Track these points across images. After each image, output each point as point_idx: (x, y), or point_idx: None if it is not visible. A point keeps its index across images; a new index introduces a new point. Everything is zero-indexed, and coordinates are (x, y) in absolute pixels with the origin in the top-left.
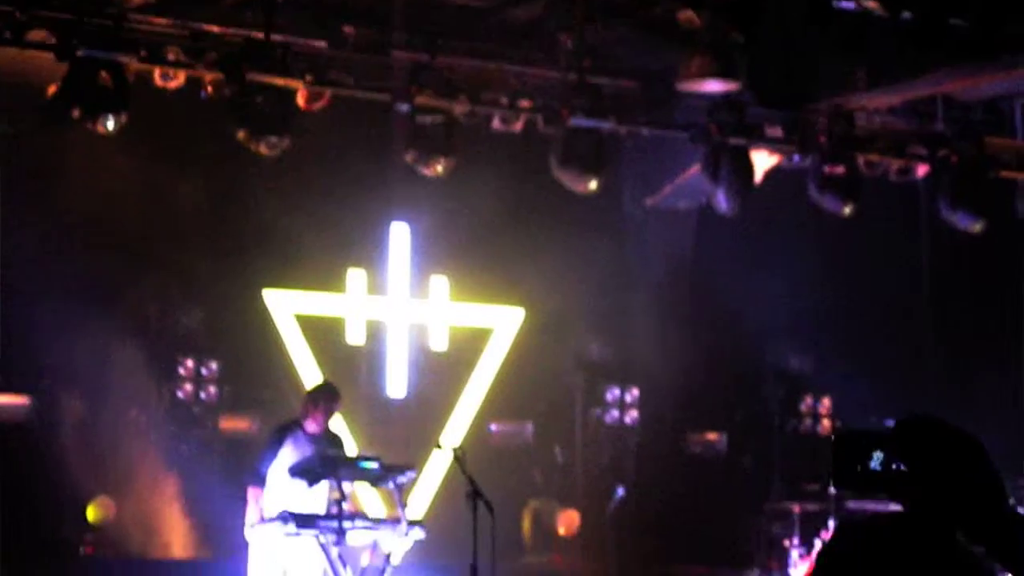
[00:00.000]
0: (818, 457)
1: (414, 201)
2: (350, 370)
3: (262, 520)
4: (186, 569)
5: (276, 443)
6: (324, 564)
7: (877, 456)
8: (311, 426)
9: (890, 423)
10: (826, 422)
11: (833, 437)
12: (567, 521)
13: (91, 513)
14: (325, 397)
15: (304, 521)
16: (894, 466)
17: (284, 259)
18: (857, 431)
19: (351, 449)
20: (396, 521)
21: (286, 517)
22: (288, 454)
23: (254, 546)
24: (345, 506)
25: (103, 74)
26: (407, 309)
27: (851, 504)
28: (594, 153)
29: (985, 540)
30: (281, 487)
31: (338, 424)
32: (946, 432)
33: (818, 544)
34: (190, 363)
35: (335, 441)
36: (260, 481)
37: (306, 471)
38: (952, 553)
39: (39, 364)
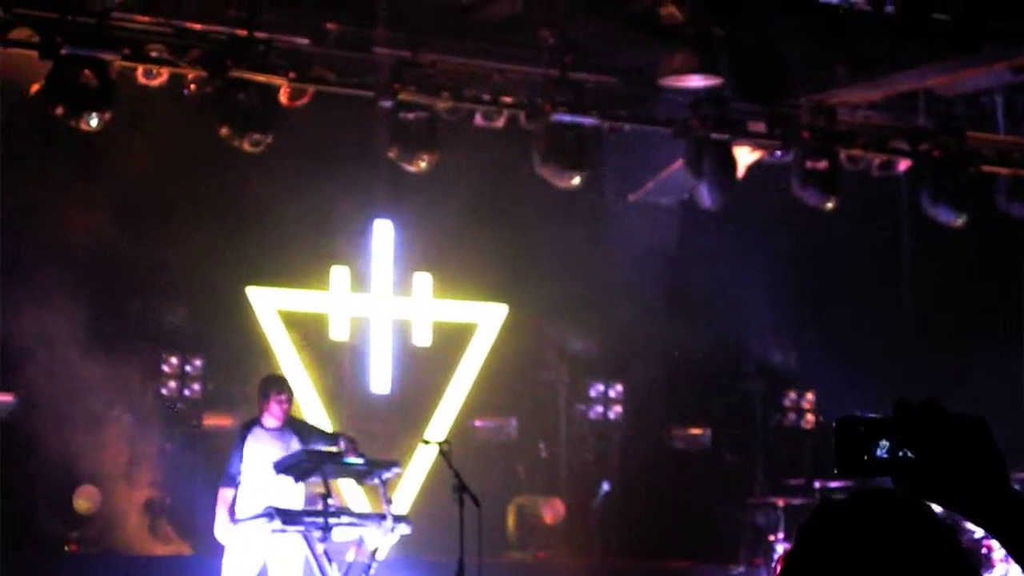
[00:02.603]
0: (802, 451)
1: (397, 198)
2: (334, 366)
3: (234, 520)
4: (169, 565)
5: (239, 442)
6: (310, 560)
7: (883, 444)
8: (268, 420)
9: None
10: (809, 416)
11: (835, 425)
12: (552, 510)
13: (77, 502)
14: (271, 389)
15: (290, 517)
16: (901, 453)
17: (268, 256)
18: (860, 419)
19: (324, 430)
20: (382, 517)
21: (271, 513)
22: (252, 452)
23: (229, 547)
24: (331, 502)
25: (86, 72)
26: (391, 305)
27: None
28: (576, 149)
29: (988, 521)
30: (252, 486)
31: (321, 417)
32: (950, 415)
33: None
34: (174, 360)
35: (300, 429)
36: (230, 482)
37: (292, 467)
38: (935, 532)
39: (24, 361)
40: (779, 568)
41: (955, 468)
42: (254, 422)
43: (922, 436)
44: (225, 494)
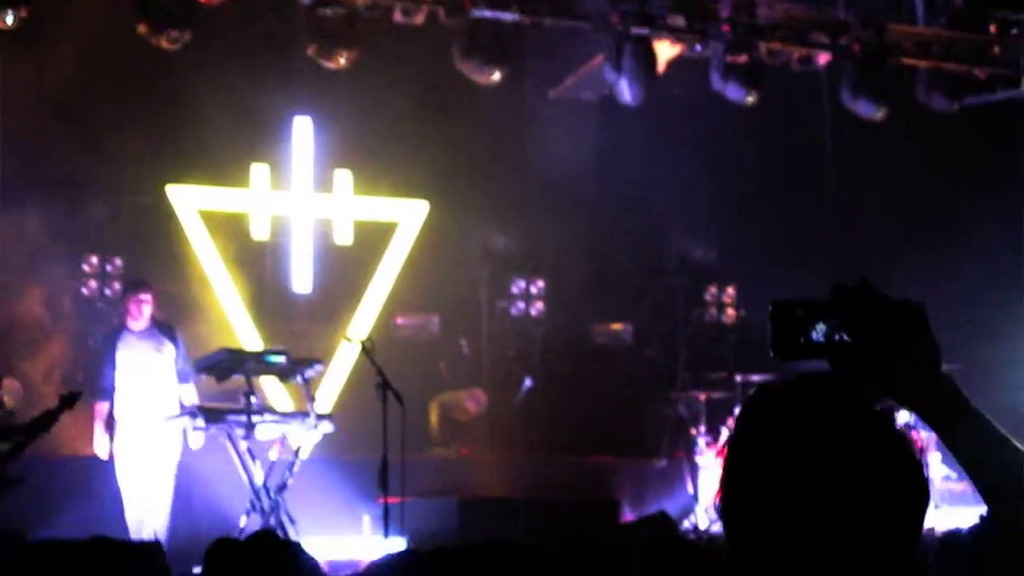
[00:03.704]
0: (723, 345)
1: (317, 95)
2: (255, 265)
3: (111, 432)
4: (92, 464)
5: (107, 351)
6: (233, 458)
7: (820, 328)
8: (132, 324)
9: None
10: (731, 311)
11: (770, 308)
12: (475, 399)
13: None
14: (128, 290)
15: (212, 415)
16: (837, 336)
17: (188, 154)
18: (796, 302)
19: (179, 338)
20: (305, 415)
21: (194, 412)
22: (123, 358)
23: (116, 459)
24: (253, 400)
25: None
26: (311, 204)
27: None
28: (496, 44)
29: (921, 407)
30: (128, 390)
31: (244, 317)
32: (888, 299)
33: (728, 424)
34: (94, 259)
35: (166, 331)
36: (103, 395)
37: (214, 367)
38: (872, 415)
39: None
40: (722, 454)
41: (891, 352)
42: (119, 328)
43: (860, 319)
44: (100, 408)
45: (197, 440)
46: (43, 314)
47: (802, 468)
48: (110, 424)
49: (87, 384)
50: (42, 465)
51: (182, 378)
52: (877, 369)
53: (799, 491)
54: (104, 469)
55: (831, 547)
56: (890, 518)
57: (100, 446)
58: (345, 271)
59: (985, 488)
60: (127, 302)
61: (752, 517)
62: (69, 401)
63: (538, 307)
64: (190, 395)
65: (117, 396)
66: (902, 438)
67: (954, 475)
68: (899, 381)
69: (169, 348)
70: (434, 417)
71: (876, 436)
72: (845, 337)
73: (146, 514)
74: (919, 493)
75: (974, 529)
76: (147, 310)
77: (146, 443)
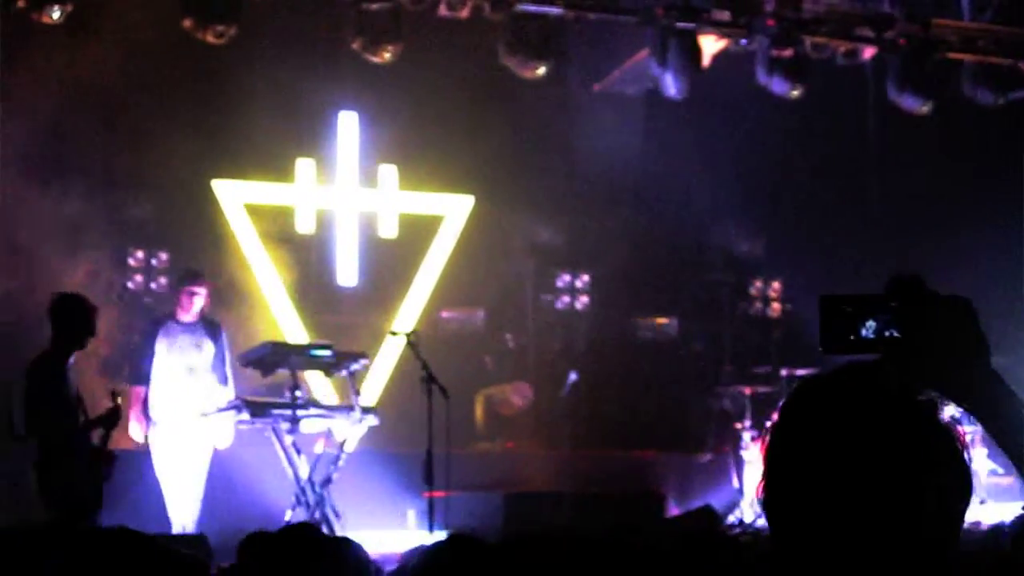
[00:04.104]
0: (768, 339)
1: (362, 90)
2: (300, 259)
3: (147, 419)
4: (137, 458)
5: (150, 337)
6: (278, 452)
7: (870, 324)
8: (182, 315)
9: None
10: (776, 305)
11: (819, 303)
12: (520, 393)
13: None
14: (183, 281)
15: (257, 409)
16: (887, 332)
17: (233, 149)
18: (845, 297)
19: (227, 365)
20: (350, 408)
21: (239, 406)
22: (163, 347)
23: (153, 447)
24: (298, 394)
25: None
26: (356, 198)
27: None
28: (541, 39)
29: (967, 398)
30: (164, 382)
31: (288, 310)
32: (937, 295)
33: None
34: (140, 254)
35: (209, 329)
36: (142, 380)
37: (259, 361)
38: (917, 409)
39: None
40: (764, 445)
41: (940, 348)
42: (167, 316)
43: (909, 315)
44: (138, 392)
45: (225, 440)
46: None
47: (844, 458)
48: (146, 410)
49: (128, 369)
50: None
51: (220, 378)
52: (925, 363)
53: (841, 481)
54: (142, 461)
55: (872, 538)
56: (932, 509)
57: (136, 431)
58: (390, 265)
59: None
60: (179, 292)
61: (794, 508)
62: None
63: (583, 301)
64: (226, 399)
65: (153, 384)
66: (945, 428)
67: (1000, 470)
68: (947, 375)
69: (209, 346)
70: (479, 411)
71: (919, 426)
72: (895, 333)
73: (176, 507)
74: (962, 483)
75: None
76: (198, 302)
77: (177, 436)
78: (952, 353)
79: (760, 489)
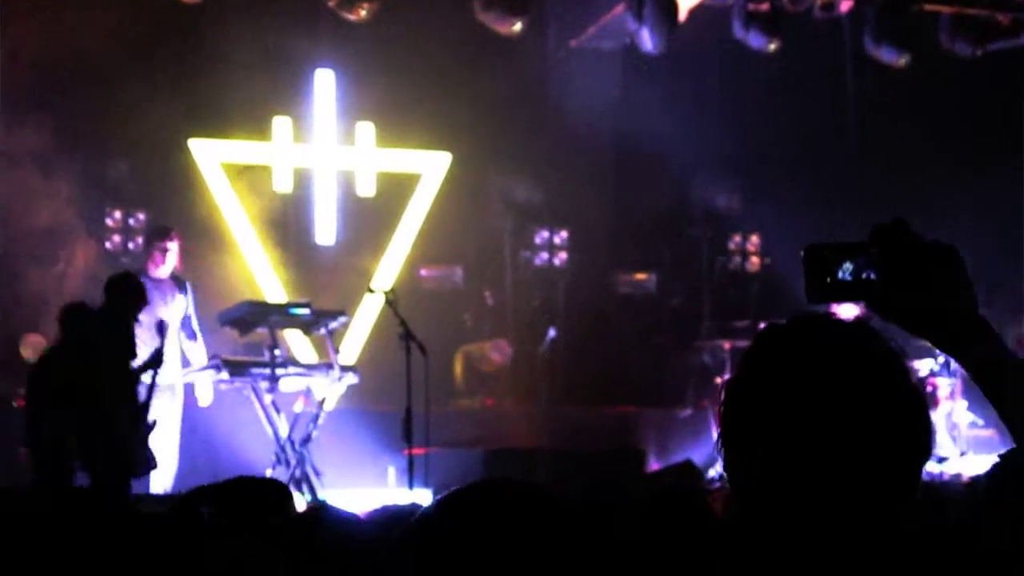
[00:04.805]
0: (747, 293)
1: (339, 47)
2: (278, 218)
3: None
4: None
5: None
6: (257, 411)
7: (847, 266)
8: (154, 271)
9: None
10: (754, 259)
11: (803, 253)
12: (499, 350)
13: (24, 350)
14: (154, 236)
15: (236, 368)
16: (864, 275)
17: (209, 108)
18: (827, 244)
19: (189, 293)
20: (329, 366)
21: (218, 365)
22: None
23: None
24: (277, 353)
25: None
26: (334, 156)
27: None
28: None
29: (953, 346)
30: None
31: (267, 269)
32: (920, 239)
33: None
34: (118, 214)
35: (178, 284)
36: None
37: (237, 320)
38: (877, 354)
39: None
40: (722, 393)
41: (921, 291)
42: (138, 274)
43: (888, 257)
44: None
45: (205, 398)
46: (66, 269)
47: (800, 409)
48: None
49: None
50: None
51: (188, 334)
52: (906, 308)
53: (797, 432)
54: None
55: (829, 491)
56: (888, 462)
57: None
58: (368, 223)
59: (1018, 427)
60: (152, 249)
61: (751, 461)
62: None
63: (561, 257)
64: (198, 354)
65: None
66: (905, 379)
67: (980, 421)
68: (929, 320)
69: (179, 301)
70: (459, 368)
71: (878, 378)
72: (872, 275)
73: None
74: (921, 438)
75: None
76: (171, 258)
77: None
78: (935, 299)
79: (718, 444)
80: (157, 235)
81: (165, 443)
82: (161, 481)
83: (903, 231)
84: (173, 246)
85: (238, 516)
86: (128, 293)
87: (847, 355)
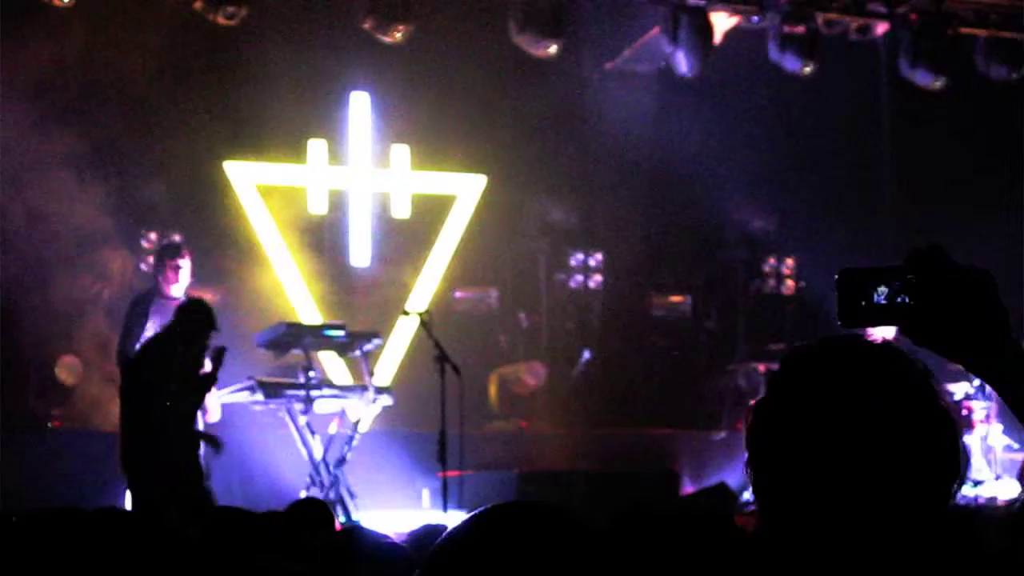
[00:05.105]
0: (782, 316)
1: (374, 70)
2: (313, 240)
3: None
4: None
5: (139, 316)
6: (292, 432)
7: (881, 290)
8: (169, 289)
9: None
10: (790, 282)
11: (836, 276)
12: (534, 372)
13: (59, 373)
14: (165, 254)
15: (272, 389)
16: (899, 299)
17: (245, 130)
18: (862, 268)
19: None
20: (363, 388)
21: (253, 387)
22: (155, 325)
23: None
24: (312, 374)
25: None
26: (369, 178)
27: None
28: (552, 17)
29: (987, 371)
30: None
31: (302, 291)
32: (955, 264)
33: None
34: (153, 236)
35: None
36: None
37: (273, 341)
38: (906, 377)
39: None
40: (749, 416)
41: (954, 316)
42: (153, 293)
43: (923, 282)
44: None
45: (214, 413)
46: (101, 290)
47: (827, 432)
48: None
49: (118, 350)
50: (78, 438)
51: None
52: (940, 333)
53: (824, 454)
54: None
55: (855, 515)
56: (918, 485)
57: None
58: (403, 245)
59: None
60: (164, 268)
61: (778, 482)
62: (219, 358)
63: (596, 280)
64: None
65: None
66: (935, 402)
67: (1016, 445)
68: (963, 345)
69: None
70: (493, 390)
71: (907, 400)
72: (906, 300)
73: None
74: (951, 462)
75: None
76: (184, 276)
77: None
78: (970, 323)
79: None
80: (168, 253)
81: None
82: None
83: (938, 256)
84: (185, 263)
85: (283, 535)
86: (203, 318)
87: (874, 375)
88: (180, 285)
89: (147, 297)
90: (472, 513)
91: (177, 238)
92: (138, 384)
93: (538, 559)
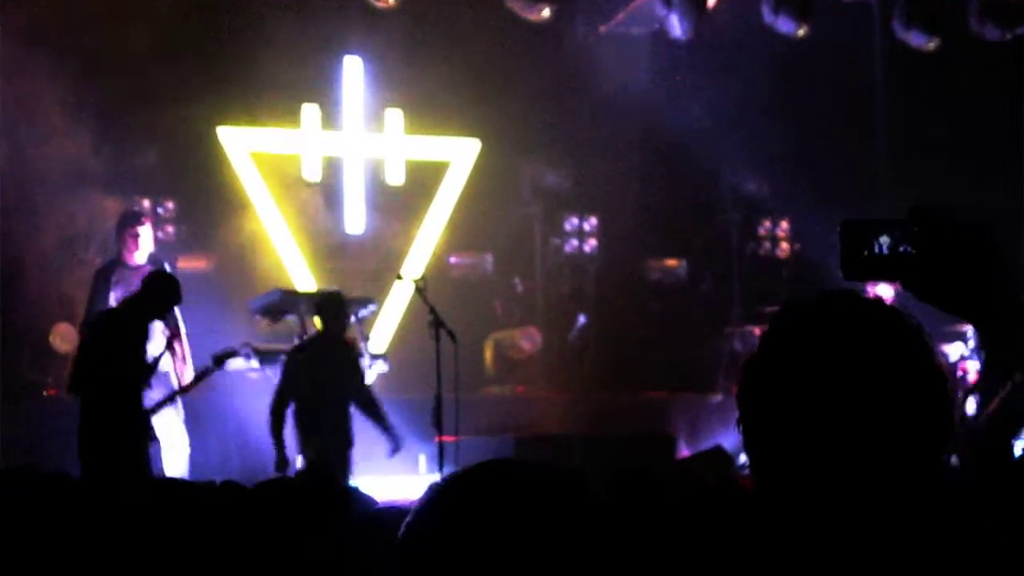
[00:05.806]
0: (778, 279)
1: (367, 35)
2: (307, 206)
3: None
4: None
5: (103, 287)
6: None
7: (883, 241)
8: (130, 258)
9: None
10: (784, 244)
11: (839, 228)
12: (530, 338)
13: (54, 340)
14: (123, 223)
15: (266, 356)
16: (901, 248)
17: (238, 96)
18: (864, 220)
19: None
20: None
21: (249, 353)
22: (118, 293)
23: None
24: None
25: None
26: (363, 143)
27: None
28: None
29: (989, 326)
30: None
31: (296, 257)
32: (956, 216)
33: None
34: (146, 202)
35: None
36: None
37: (267, 308)
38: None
39: None
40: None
41: (958, 265)
42: (113, 263)
43: (927, 231)
44: None
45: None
46: (93, 258)
47: (814, 375)
48: None
49: (83, 319)
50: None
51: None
52: (942, 283)
53: (811, 398)
54: None
55: (844, 474)
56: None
57: None
58: (397, 210)
59: None
60: (124, 236)
61: (770, 438)
62: (220, 362)
63: (591, 244)
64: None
65: None
66: (930, 363)
67: None
68: (964, 298)
69: None
70: (489, 355)
71: (900, 359)
72: (909, 249)
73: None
74: (941, 427)
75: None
76: (144, 242)
77: None
78: (973, 273)
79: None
80: (127, 221)
81: (171, 431)
82: (176, 465)
83: (941, 210)
84: (144, 230)
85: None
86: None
87: (868, 329)
88: (141, 252)
89: (109, 267)
90: (450, 474)
91: (142, 206)
92: (95, 353)
93: (519, 513)
